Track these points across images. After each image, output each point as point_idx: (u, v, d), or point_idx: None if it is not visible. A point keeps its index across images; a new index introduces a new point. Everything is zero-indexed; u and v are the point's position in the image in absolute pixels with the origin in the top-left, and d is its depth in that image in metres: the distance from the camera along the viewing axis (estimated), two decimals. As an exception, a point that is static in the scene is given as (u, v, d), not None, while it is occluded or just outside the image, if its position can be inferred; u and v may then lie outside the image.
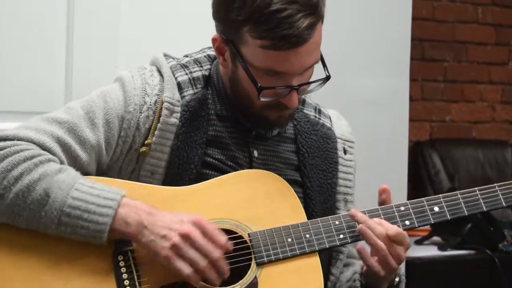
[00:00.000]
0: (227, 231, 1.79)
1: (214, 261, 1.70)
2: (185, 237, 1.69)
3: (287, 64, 1.77)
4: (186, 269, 1.69)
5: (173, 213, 1.74)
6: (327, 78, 1.84)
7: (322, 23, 1.81)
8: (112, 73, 2.09)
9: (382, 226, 1.82)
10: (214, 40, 1.86)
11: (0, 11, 2.59)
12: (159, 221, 1.71)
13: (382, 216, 1.86)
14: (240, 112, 1.91)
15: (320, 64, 1.85)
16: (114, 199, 1.71)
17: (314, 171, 1.98)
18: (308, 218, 1.88)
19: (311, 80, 1.85)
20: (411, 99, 4.83)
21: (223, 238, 1.72)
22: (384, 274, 1.84)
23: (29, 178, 1.71)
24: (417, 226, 1.88)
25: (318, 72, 1.87)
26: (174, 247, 1.69)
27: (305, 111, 2.03)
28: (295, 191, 1.91)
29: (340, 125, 2.08)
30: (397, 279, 1.93)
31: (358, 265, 2.01)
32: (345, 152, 2.05)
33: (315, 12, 1.76)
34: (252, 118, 1.91)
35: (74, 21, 2.66)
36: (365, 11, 3.26)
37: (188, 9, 2.77)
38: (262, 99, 1.81)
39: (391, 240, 1.81)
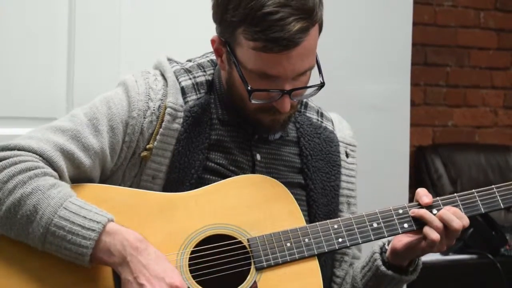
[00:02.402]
0: (226, 237, 1.80)
1: None
2: None
3: (279, 67, 1.77)
4: None
5: (158, 259, 1.68)
6: (322, 85, 1.84)
7: (320, 29, 1.81)
8: (113, 77, 2.10)
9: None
10: (213, 42, 1.87)
11: (1, 16, 2.60)
12: (142, 263, 1.67)
13: (380, 220, 1.87)
14: (240, 116, 1.92)
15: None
16: (100, 221, 1.68)
17: (317, 174, 1.98)
18: (312, 221, 1.88)
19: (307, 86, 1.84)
20: (414, 104, 4.84)
21: None
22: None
23: (22, 191, 1.70)
24: (415, 228, 1.88)
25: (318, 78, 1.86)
26: None
27: (307, 114, 2.03)
28: (298, 194, 1.91)
29: (341, 129, 2.08)
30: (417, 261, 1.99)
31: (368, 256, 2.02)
32: (347, 155, 2.05)
33: (309, 17, 1.75)
34: (248, 122, 1.91)
35: (76, 26, 2.66)
36: (366, 16, 3.26)
37: (190, 13, 2.77)
38: (253, 102, 1.81)
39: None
